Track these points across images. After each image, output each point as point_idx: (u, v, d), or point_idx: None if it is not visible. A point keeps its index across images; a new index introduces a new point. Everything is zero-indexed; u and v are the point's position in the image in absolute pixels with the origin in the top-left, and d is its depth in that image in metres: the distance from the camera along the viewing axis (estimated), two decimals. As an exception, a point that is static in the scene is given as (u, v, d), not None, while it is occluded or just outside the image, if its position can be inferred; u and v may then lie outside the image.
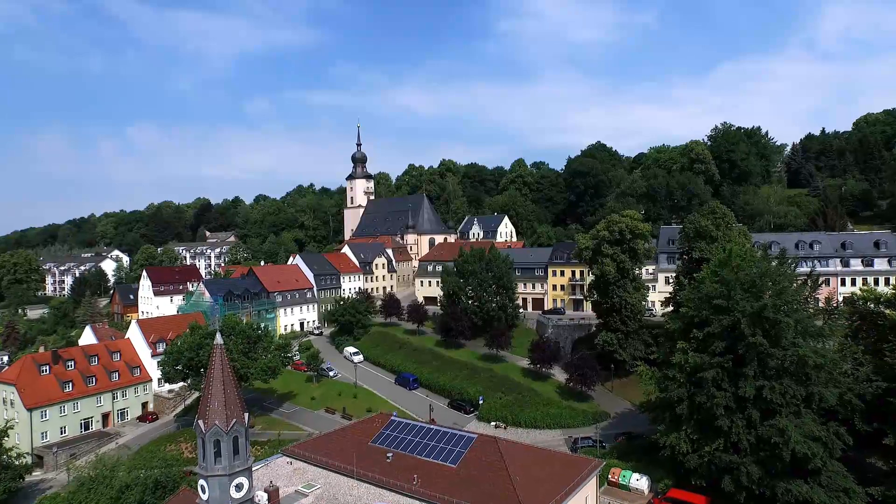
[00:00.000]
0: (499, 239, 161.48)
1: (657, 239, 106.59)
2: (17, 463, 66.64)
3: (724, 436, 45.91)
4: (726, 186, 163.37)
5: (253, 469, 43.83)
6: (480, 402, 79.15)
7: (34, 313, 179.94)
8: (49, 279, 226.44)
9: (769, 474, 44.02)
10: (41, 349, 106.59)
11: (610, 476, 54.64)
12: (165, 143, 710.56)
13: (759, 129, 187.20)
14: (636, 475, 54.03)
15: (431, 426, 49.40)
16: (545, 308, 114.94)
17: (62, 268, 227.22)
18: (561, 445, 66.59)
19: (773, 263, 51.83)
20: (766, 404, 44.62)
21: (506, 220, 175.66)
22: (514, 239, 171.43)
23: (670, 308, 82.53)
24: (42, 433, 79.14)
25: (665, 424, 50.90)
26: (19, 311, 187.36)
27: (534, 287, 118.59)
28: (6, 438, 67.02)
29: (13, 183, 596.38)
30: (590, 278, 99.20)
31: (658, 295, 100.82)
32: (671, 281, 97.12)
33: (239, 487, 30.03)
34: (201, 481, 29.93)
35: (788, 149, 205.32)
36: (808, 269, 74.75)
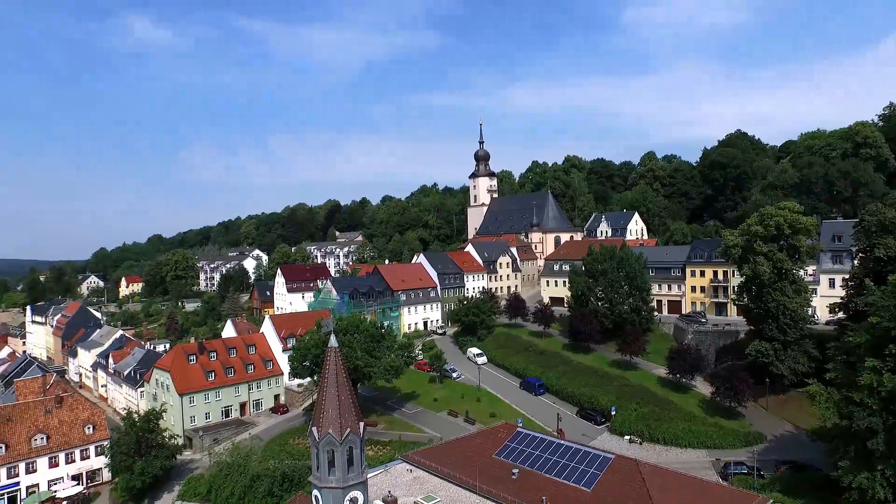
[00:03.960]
0: (629, 237, 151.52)
1: (819, 235, 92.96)
2: (171, 443, 71.68)
3: (936, 481, 36.77)
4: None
5: (372, 474, 42.27)
6: (613, 412, 72.92)
7: (190, 306, 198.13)
8: (202, 276, 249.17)
9: None
10: (192, 340, 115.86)
11: (773, 512, 46.64)
12: (299, 149, 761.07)
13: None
14: (807, 515, 45.68)
15: (561, 441, 44.88)
16: (683, 312, 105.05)
17: (212, 265, 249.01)
18: (707, 469, 58.88)
19: None
20: None
21: (636, 216, 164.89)
22: (646, 237, 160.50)
23: (841, 315, 70.80)
24: (191, 417, 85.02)
25: (849, 460, 41.94)
26: (179, 303, 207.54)
27: (669, 289, 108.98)
28: (162, 420, 72.19)
29: (178, 191, 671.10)
30: (736, 279, 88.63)
31: (820, 300, 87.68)
32: (837, 284, 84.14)
33: (353, 502, 27.85)
34: (315, 491, 28.19)
35: None
36: None
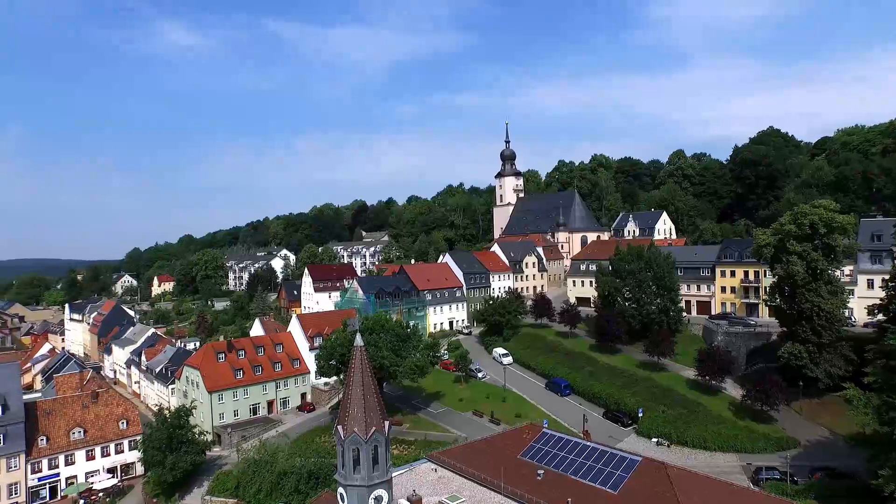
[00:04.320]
0: (657, 236, 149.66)
1: (857, 234, 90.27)
2: (200, 439, 73.05)
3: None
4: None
5: (397, 473, 42.38)
6: (640, 414, 71.96)
7: (219, 305, 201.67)
8: (231, 275, 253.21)
9: None
10: (221, 338, 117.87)
11: (807, 520, 45.48)
12: (326, 150, 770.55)
13: None
14: (843, 523, 44.33)
15: (588, 443, 44.39)
16: (712, 312, 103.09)
17: (241, 265, 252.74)
18: (737, 473, 57.66)
19: None
20: None
21: (664, 216, 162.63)
22: (674, 236, 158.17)
23: (881, 317, 68.53)
24: (220, 414, 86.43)
25: (891, 468, 40.56)
26: (208, 302, 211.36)
27: (699, 289, 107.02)
28: (192, 416, 73.60)
29: (207, 191, 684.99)
30: (767, 280, 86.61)
31: (858, 301, 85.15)
32: (876, 284, 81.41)
33: (378, 500, 28.00)
34: (340, 489, 28.42)
35: None
36: None
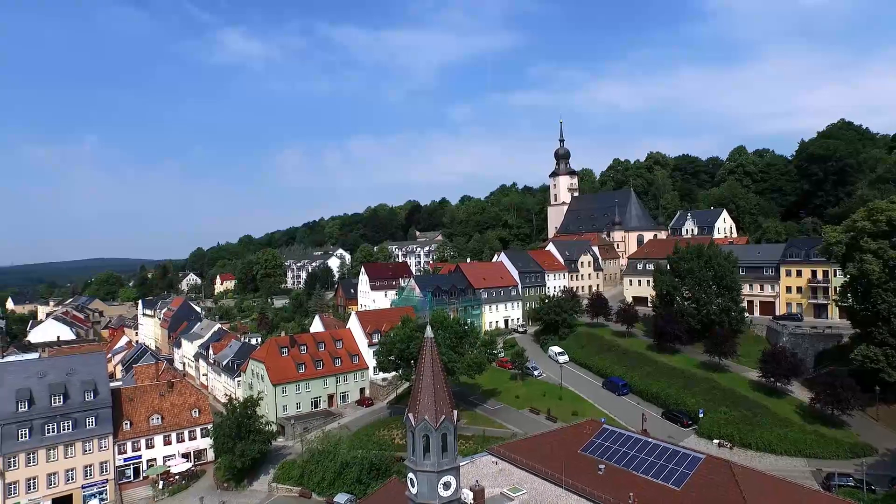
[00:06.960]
0: (716, 235, 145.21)
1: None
2: (266, 429, 76.59)
3: None
4: None
5: (460, 465, 43.80)
6: (700, 415, 70.75)
7: (279, 302, 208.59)
8: (289, 274, 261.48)
9: None
10: (282, 334, 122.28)
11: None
12: (380, 151, 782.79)
13: None
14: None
15: (649, 439, 44.46)
16: (776, 313, 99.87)
17: (299, 264, 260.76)
18: (806, 479, 55.95)
19: None
20: None
21: (724, 214, 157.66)
22: (735, 235, 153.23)
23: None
24: (283, 406, 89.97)
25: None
26: (268, 300, 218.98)
27: (762, 289, 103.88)
28: (258, 407, 77.21)
29: (266, 194, 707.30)
30: (838, 279, 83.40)
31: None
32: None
33: (447, 486, 29.25)
34: (410, 475, 29.82)
35: None
36: None
